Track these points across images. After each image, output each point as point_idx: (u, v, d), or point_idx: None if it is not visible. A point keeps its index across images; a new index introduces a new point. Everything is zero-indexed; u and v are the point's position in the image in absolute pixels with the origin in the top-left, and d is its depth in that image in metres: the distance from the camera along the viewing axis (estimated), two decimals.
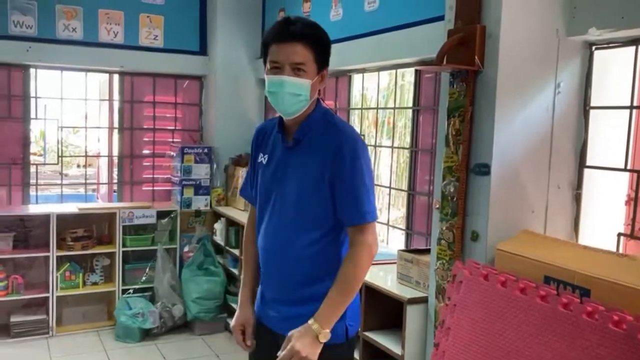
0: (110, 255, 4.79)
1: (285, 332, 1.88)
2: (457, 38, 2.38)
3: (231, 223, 4.79)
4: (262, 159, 1.98)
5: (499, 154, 2.32)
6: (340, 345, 1.88)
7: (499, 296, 2.05)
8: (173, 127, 5.40)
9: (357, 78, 4.22)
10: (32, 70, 4.81)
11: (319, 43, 1.82)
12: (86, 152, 5.47)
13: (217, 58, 5.12)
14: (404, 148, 3.78)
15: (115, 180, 5.31)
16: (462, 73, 2.41)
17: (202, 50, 5.30)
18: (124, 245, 4.76)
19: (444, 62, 2.40)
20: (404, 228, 3.69)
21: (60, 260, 4.60)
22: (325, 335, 1.75)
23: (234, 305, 4.50)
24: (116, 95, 5.21)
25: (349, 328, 1.89)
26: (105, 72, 5.16)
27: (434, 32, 3.02)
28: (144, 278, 4.86)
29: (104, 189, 5.90)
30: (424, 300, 2.66)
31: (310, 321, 1.76)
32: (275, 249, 1.92)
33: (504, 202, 2.34)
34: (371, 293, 2.88)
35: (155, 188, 5.37)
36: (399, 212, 3.97)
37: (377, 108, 4.05)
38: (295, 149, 1.88)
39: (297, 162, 1.87)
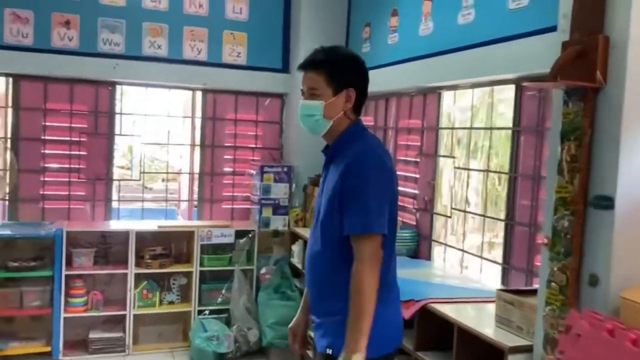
0: (188, 275, 4.72)
1: (315, 340, 2.07)
2: (575, 50, 2.06)
3: None
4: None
5: (625, 185, 1.96)
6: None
7: (630, 358, 1.70)
8: (254, 145, 5.30)
9: (447, 95, 3.94)
10: (118, 87, 4.87)
11: (330, 67, 2.01)
12: (167, 168, 5.48)
13: (300, 76, 4.96)
14: (502, 172, 3.44)
15: (195, 197, 5.27)
16: (579, 90, 2.09)
17: (285, 67, 5.19)
18: (201, 265, 4.68)
19: (558, 78, 2.09)
20: (500, 262, 3.33)
21: (138, 278, 4.57)
22: (358, 357, 1.79)
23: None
24: (198, 112, 5.19)
25: None
26: (189, 89, 5.15)
27: (537, 45, 2.74)
28: (220, 299, 4.75)
29: (184, 205, 5.90)
30: (528, 350, 2.32)
31: (342, 355, 1.82)
32: (308, 262, 2.08)
33: (630, 241, 1.98)
34: (464, 336, 2.57)
35: (234, 206, 5.28)
36: (485, 237, 3.64)
37: (470, 128, 3.73)
38: (329, 167, 2.05)
39: (328, 179, 2.03)
